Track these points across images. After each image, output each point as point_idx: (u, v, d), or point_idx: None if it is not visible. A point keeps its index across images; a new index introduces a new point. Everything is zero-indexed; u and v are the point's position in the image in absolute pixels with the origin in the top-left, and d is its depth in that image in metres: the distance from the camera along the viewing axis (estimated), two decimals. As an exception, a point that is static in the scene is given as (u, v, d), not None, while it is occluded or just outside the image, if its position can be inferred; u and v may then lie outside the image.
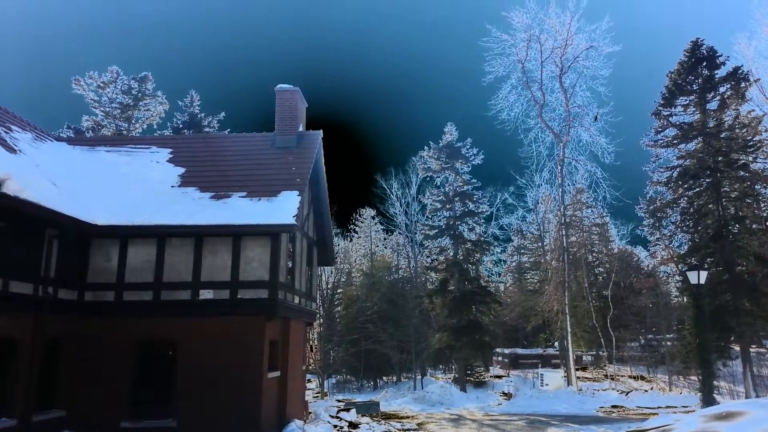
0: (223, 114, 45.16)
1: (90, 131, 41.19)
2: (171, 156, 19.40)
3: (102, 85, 42.69)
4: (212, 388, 15.16)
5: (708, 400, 17.75)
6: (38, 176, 14.38)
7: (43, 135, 18.64)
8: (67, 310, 15.11)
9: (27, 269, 13.68)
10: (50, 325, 14.20)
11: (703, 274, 17.18)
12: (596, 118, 38.18)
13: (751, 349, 31.30)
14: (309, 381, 48.37)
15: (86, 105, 42.51)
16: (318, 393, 43.28)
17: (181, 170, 18.39)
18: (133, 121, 43.69)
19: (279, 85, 20.72)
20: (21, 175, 13.02)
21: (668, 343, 41.99)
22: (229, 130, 43.36)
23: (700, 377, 20.69)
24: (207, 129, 42.73)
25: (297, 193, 16.90)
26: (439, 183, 44.46)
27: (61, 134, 32.07)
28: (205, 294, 15.86)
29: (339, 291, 51.65)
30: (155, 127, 44.57)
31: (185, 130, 40.91)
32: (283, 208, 16.12)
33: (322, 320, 47.22)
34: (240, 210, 16.14)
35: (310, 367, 46.70)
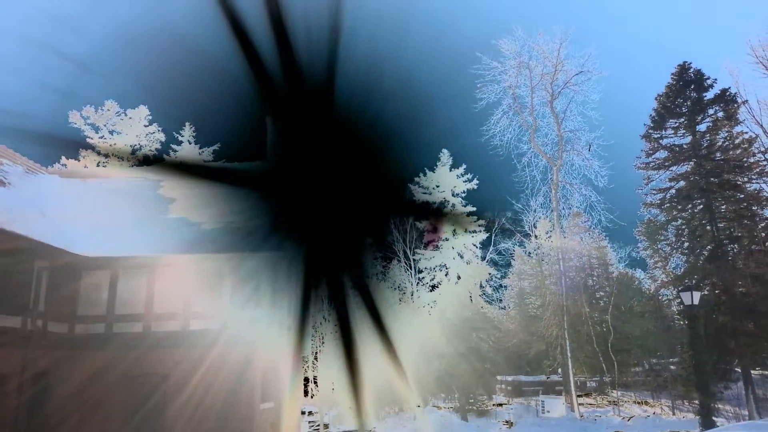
0: (218, 145, 45.50)
1: (86, 165, 41.43)
2: (163, 187, 19.49)
3: (98, 118, 43.09)
4: (204, 420, 14.96)
5: (707, 424, 17.42)
6: (28, 209, 14.44)
7: (35, 168, 18.74)
8: (56, 344, 14.99)
9: (15, 303, 13.62)
10: (39, 360, 14.09)
11: (697, 295, 17.05)
12: (590, 147, 38.50)
13: (754, 372, 30.95)
14: (309, 413, 47.84)
15: (82, 138, 42.85)
16: (318, 425, 42.64)
17: (173, 200, 18.45)
18: (129, 154, 43.96)
19: (269, 116, 20.93)
20: (11, 208, 13.10)
21: (672, 367, 41.54)
22: (223, 160, 43.58)
23: (700, 400, 20.39)
24: (202, 160, 43.00)
25: (289, 220, 16.92)
26: (435, 209, 44.54)
27: (56, 167, 32.23)
28: (196, 325, 15.77)
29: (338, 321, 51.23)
30: (151, 158, 44.83)
31: (180, 161, 41.16)
32: (275, 237, 16.13)
33: (320, 350, 46.82)
34: (231, 239, 16.13)
35: (310, 399, 46.18)
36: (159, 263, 15.81)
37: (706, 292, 27.77)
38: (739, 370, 30.96)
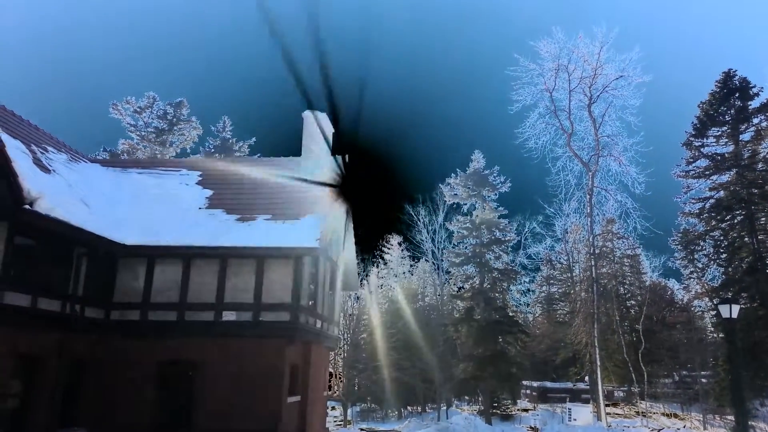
0: (253, 139, 46.11)
1: (125, 154, 42.29)
2: (200, 179, 19.76)
3: (138, 110, 43.92)
4: (232, 411, 15.13)
5: (742, 441, 16.94)
6: (70, 196, 14.78)
7: (78, 156, 19.19)
8: (93, 329, 15.32)
9: (55, 287, 13.96)
10: (76, 343, 14.42)
11: (736, 308, 16.48)
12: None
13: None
14: (333, 408, 48.07)
15: (123, 129, 43.74)
16: (341, 421, 42.81)
17: (209, 192, 18.69)
18: (168, 145, 44.73)
19: (306, 111, 21.02)
20: (53, 194, 13.40)
21: (703, 380, 40.57)
22: (259, 154, 44.10)
23: (735, 416, 19.84)
24: (237, 153, 43.53)
25: (321, 216, 16.98)
26: (465, 210, 44.26)
27: (97, 156, 32.96)
28: (228, 316, 15.94)
29: (364, 317, 51.34)
30: (188, 151, 45.57)
31: (217, 154, 41.72)
32: (307, 232, 16.20)
33: (346, 346, 46.98)
34: (264, 232, 16.26)
35: (334, 395, 46.40)
36: (195, 254, 16.02)
37: (743, 306, 26.99)
38: (775, 388, 30.10)
